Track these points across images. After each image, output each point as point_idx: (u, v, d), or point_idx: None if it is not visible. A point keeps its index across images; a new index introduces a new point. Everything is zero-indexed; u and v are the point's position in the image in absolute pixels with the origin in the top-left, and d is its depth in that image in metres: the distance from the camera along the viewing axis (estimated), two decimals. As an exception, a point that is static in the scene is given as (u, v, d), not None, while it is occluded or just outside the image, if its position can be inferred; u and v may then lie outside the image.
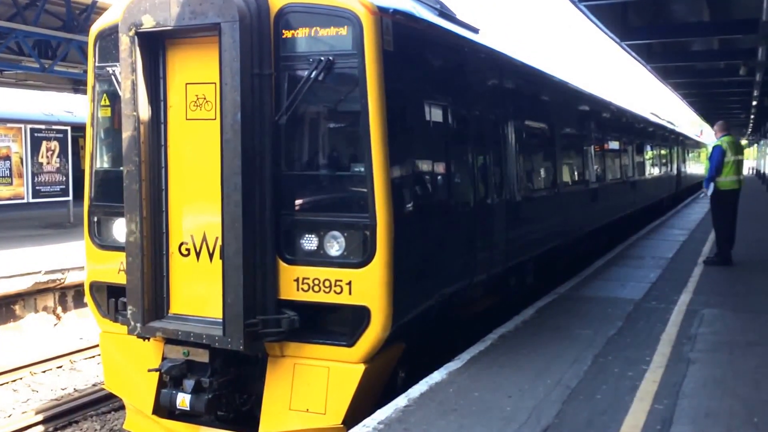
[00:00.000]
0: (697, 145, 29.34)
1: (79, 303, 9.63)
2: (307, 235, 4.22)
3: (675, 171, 20.62)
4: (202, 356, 4.31)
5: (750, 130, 36.74)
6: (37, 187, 13.37)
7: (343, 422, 4.12)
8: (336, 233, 4.18)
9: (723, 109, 26.16)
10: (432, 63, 4.98)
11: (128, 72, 4.30)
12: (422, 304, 4.62)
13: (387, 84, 4.13)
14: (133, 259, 4.33)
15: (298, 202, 4.31)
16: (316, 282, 4.17)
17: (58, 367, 7.84)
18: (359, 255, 4.11)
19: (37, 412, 6.36)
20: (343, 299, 4.13)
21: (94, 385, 7.23)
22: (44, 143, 13.46)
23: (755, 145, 45.66)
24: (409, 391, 4.22)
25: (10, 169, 12.94)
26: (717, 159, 8.46)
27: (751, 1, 9.07)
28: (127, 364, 4.77)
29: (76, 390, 7.18)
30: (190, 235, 4.45)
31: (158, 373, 4.48)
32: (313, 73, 4.13)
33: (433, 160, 4.88)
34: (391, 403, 4.02)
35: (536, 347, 5.11)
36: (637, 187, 13.73)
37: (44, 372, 7.68)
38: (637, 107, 15.36)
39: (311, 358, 4.24)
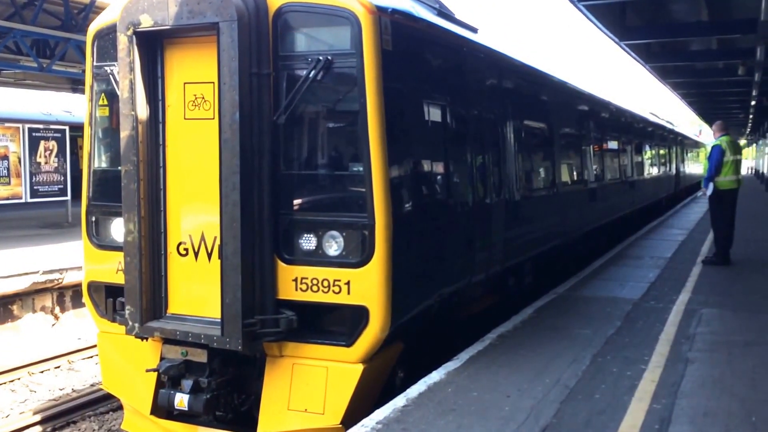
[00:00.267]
0: (696, 144, 29.37)
1: (77, 303, 9.62)
2: (305, 235, 4.22)
3: (674, 171, 20.64)
4: (200, 356, 4.31)
5: (749, 129, 36.79)
6: (35, 187, 13.35)
7: (342, 422, 4.11)
8: (334, 233, 4.17)
9: (722, 108, 26.19)
10: (431, 63, 4.98)
11: (126, 71, 4.29)
12: (421, 303, 4.61)
13: (386, 83, 4.13)
14: (131, 259, 4.32)
15: (296, 201, 4.30)
16: (315, 282, 4.17)
17: (56, 368, 7.83)
18: (358, 255, 4.11)
19: (35, 413, 6.35)
20: (342, 299, 4.13)
21: (92, 385, 7.22)
22: (42, 143, 13.44)
23: (754, 144, 45.71)
24: (408, 390, 4.21)
25: (8, 169, 12.92)
26: (716, 159, 8.47)
27: (749, 1, 9.07)
28: (125, 365, 4.76)
29: (74, 390, 7.17)
30: (188, 234, 4.44)
31: (156, 373, 4.47)
32: (312, 73, 4.12)
33: (432, 159, 4.88)
34: (389, 403, 4.02)
35: (535, 347, 5.11)
36: (636, 187, 13.74)
37: (42, 372, 7.67)
38: (636, 107, 15.37)
39: (310, 358, 4.23)
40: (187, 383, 4.29)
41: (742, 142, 47.14)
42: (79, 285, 9.08)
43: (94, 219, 4.88)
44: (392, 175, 4.17)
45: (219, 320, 4.15)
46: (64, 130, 13.98)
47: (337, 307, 4.16)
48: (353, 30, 4.07)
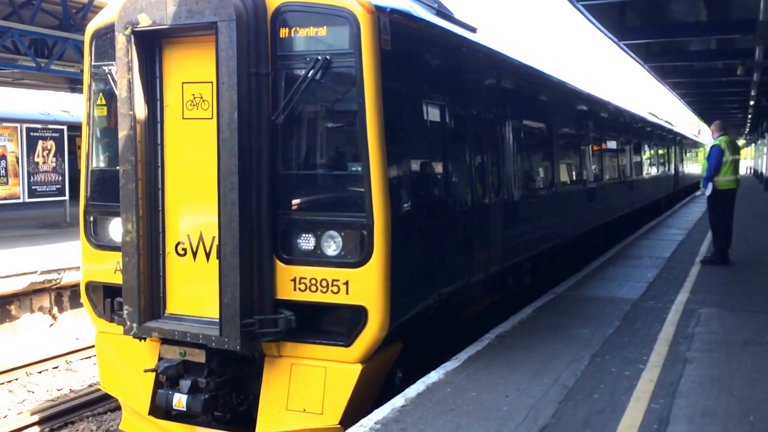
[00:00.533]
0: (695, 144, 29.41)
1: (75, 303, 9.60)
2: (304, 235, 4.21)
3: (673, 171, 20.66)
4: (198, 356, 4.30)
5: (747, 129, 36.85)
6: (33, 187, 13.32)
7: (340, 422, 4.11)
8: (333, 233, 4.17)
9: (720, 108, 26.22)
10: (429, 62, 4.98)
11: (124, 71, 4.28)
12: (420, 303, 4.61)
13: (384, 83, 4.12)
14: (130, 259, 4.31)
15: (295, 201, 4.29)
16: (313, 282, 4.16)
17: (54, 368, 7.82)
18: (356, 254, 4.10)
19: (33, 413, 6.34)
20: (340, 299, 4.12)
21: (90, 385, 7.21)
22: (40, 142, 13.41)
23: (752, 144, 45.79)
24: (407, 390, 4.21)
25: (6, 169, 12.89)
26: (715, 158, 8.47)
27: (748, 1, 9.08)
28: (123, 365, 4.75)
29: (72, 390, 7.16)
30: (186, 234, 4.43)
31: (154, 373, 4.46)
32: (311, 73, 4.12)
33: (431, 159, 4.88)
34: (388, 403, 4.01)
35: (533, 347, 5.11)
36: (635, 186, 13.75)
37: (40, 372, 7.66)
38: (635, 107, 15.38)
39: (308, 358, 4.23)
40: (185, 383, 4.28)
41: (741, 142, 47.20)
42: (77, 285, 9.06)
43: (92, 219, 4.87)
44: (391, 174, 4.17)
45: (217, 320, 4.14)
46: (62, 129, 13.95)
47: (336, 307, 4.16)
48: (352, 30, 4.06)
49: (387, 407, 3.94)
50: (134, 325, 4.32)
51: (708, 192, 8.64)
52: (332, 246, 4.17)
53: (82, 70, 5.80)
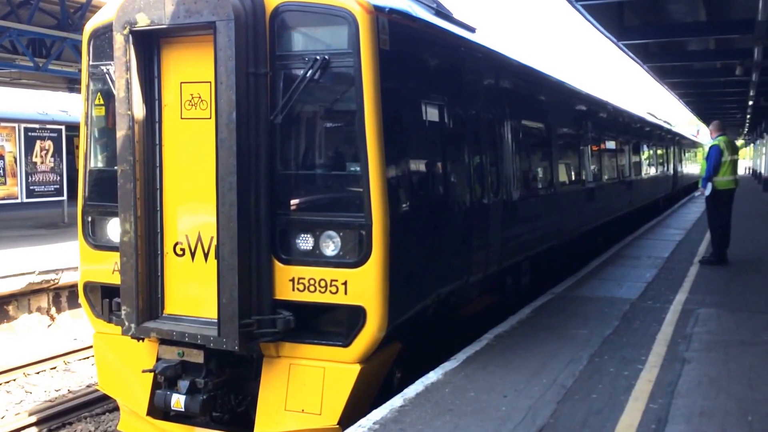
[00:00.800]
0: (694, 144, 29.45)
1: (73, 304, 9.58)
2: (302, 235, 4.21)
3: (671, 171, 20.68)
4: (196, 357, 4.29)
5: (746, 130, 36.90)
6: (31, 187, 13.30)
7: (339, 423, 4.10)
8: (332, 233, 4.16)
9: (719, 109, 26.25)
10: (428, 62, 4.97)
11: (122, 71, 4.27)
12: (418, 303, 4.61)
13: (383, 83, 4.12)
14: (128, 259, 4.30)
15: (293, 201, 4.29)
16: (312, 282, 4.16)
17: (51, 368, 7.80)
18: (355, 255, 4.10)
19: (31, 414, 6.33)
20: (339, 299, 4.12)
21: (88, 386, 7.19)
22: (38, 142, 13.39)
23: (751, 144, 45.87)
24: (405, 391, 4.21)
25: (4, 169, 12.86)
26: (714, 159, 8.48)
27: (747, 1, 9.09)
28: (121, 365, 4.74)
29: (70, 391, 7.15)
30: (185, 234, 4.43)
31: (153, 373, 4.45)
32: (309, 72, 4.11)
33: (429, 159, 4.87)
34: (386, 404, 4.01)
35: (532, 347, 5.11)
36: (634, 186, 13.76)
37: (38, 373, 7.64)
38: (633, 107, 15.39)
39: (307, 358, 4.22)
40: (183, 384, 4.27)
41: (740, 142, 47.28)
42: (75, 285, 9.04)
43: (90, 219, 4.86)
44: (389, 175, 4.16)
45: (216, 320, 4.14)
46: (60, 129, 13.92)
47: (334, 307, 4.15)
48: (350, 29, 4.06)
49: (385, 407, 3.94)
50: (132, 325, 4.31)
51: (707, 192, 8.64)
52: (331, 246, 4.16)
53: (80, 70, 5.79)
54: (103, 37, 4.66)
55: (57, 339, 8.95)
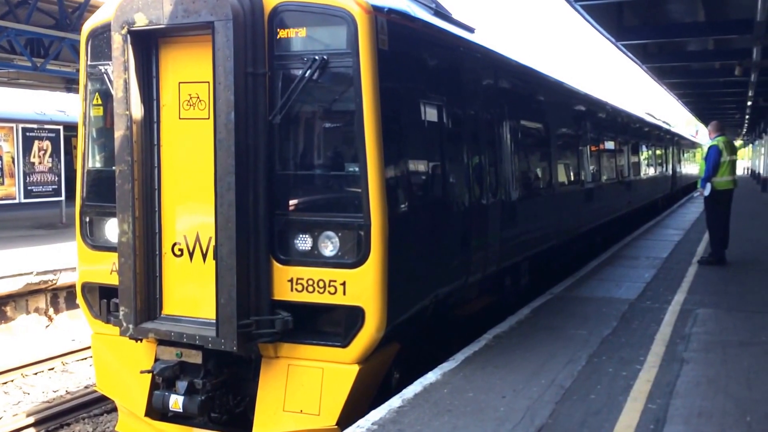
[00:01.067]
0: (693, 145, 29.48)
1: (71, 304, 9.57)
2: (301, 235, 4.20)
3: (670, 171, 20.70)
4: (195, 357, 4.28)
5: (745, 130, 36.96)
6: (29, 187, 13.27)
7: (337, 423, 4.10)
8: (330, 233, 4.16)
9: (718, 109, 26.29)
10: (427, 62, 4.97)
11: (121, 71, 4.26)
12: (417, 304, 4.60)
13: (382, 83, 4.11)
14: (126, 260, 4.29)
15: (292, 202, 4.28)
16: (310, 282, 4.15)
17: (49, 369, 7.78)
18: (353, 255, 4.09)
19: (29, 415, 6.31)
20: (338, 300, 4.11)
21: (86, 387, 7.18)
22: (36, 143, 13.36)
23: (750, 145, 45.94)
24: (404, 391, 4.20)
25: (2, 169, 12.83)
26: (713, 159, 8.48)
27: (746, 2, 9.10)
28: (119, 366, 4.73)
29: (68, 392, 7.13)
30: (183, 235, 4.42)
31: (151, 374, 4.44)
32: (308, 73, 4.11)
33: (428, 159, 4.87)
34: (385, 404, 4.01)
35: (531, 347, 5.11)
36: (633, 187, 13.77)
37: (36, 374, 7.62)
38: (632, 107, 15.41)
39: (305, 359, 4.22)
40: (181, 385, 4.26)
41: (739, 142, 47.36)
42: (73, 286, 9.01)
43: (88, 219, 4.84)
44: (388, 175, 4.16)
45: (214, 321, 4.13)
46: (58, 129, 13.89)
47: (333, 307, 4.15)
48: (349, 29, 4.05)
49: (384, 408, 3.94)
50: (130, 326, 4.30)
51: (706, 192, 8.65)
52: (329, 246, 4.16)
53: (78, 70, 5.77)
54: (101, 37, 4.66)
55: (55, 340, 8.93)
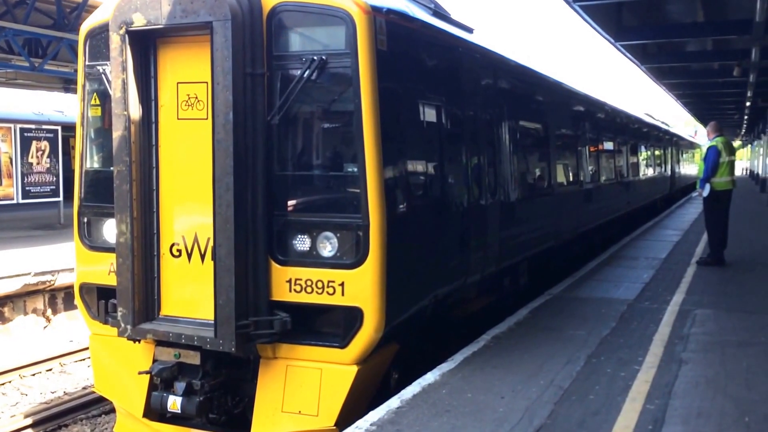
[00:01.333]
0: (691, 145, 29.50)
1: (69, 305, 9.55)
2: (299, 236, 4.20)
3: (669, 172, 20.72)
4: (193, 358, 4.27)
5: (744, 130, 37.01)
6: (26, 188, 13.24)
7: (336, 424, 4.09)
8: (329, 234, 4.15)
9: (717, 109, 26.34)
10: (426, 63, 4.97)
11: (119, 71, 4.25)
12: (415, 304, 4.60)
13: (380, 83, 4.11)
14: (124, 261, 4.28)
15: (290, 202, 4.28)
16: (309, 283, 4.14)
17: (47, 370, 7.76)
18: (352, 256, 4.09)
19: (26, 416, 6.30)
20: (336, 300, 4.11)
21: (84, 388, 7.16)
22: (34, 143, 13.33)
23: (749, 146, 46.02)
24: (402, 392, 4.20)
25: (0, 170, 12.80)
26: (713, 160, 8.49)
27: (745, 2, 9.12)
28: (117, 367, 4.72)
29: (65, 393, 7.11)
30: (181, 236, 4.41)
31: (149, 375, 4.43)
32: (306, 73, 4.10)
33: (427, 160, 4.86)
34: (383, 405, 4.00)
35: (529, 348, 5.10)
36: (631, 187, 13.78)
37: (34, 375, 7.60)
38: (631, 108, 15.42)
39: (304, 359, 4.21)
40: (180, 385, 4.25)
41: (737, 143, 47.43)
42: (71, 287, 9.01)
43: (86, 220, 4.83)
44: (387, 175, 4.15)
45: (212, 322, 4.12)
46: (56, 130, 13.86)
47: (331, 308, 4.14)
48: (348, 30, 4.05)
49: (382, 409, 3.93)
50: (128, 327, 4.29)
51: (705, 193, 8.65)
52: (328, 247, 4.15)
53: (76, 70, 5.76)
54: (99, 37, 4.65)
55: (53, 340, 8.91)
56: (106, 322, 4.58)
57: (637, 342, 5.32)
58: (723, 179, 8.60)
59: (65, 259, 9.40)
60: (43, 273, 9.15)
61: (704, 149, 9.13)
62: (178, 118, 4.39)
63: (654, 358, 4.89)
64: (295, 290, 4.17)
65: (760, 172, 33.09)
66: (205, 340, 4.12)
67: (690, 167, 27.28)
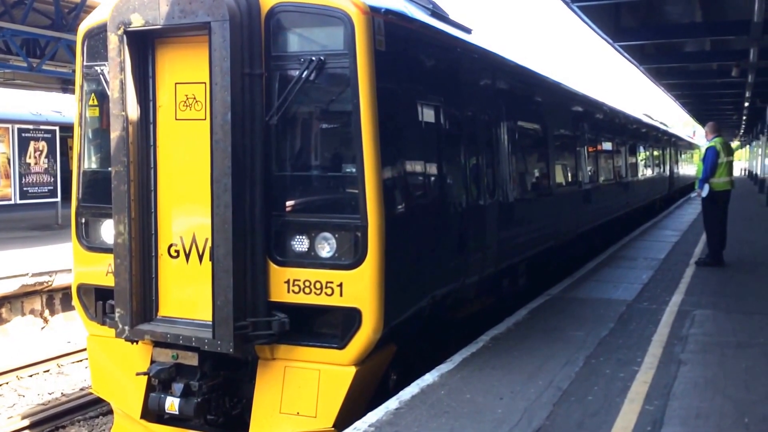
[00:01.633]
0: (690, 146, 29.54)
1: (66, 306, 9.52)
2: (297, 237, 4.19)
3: (668, 172, 20.75)
4: (191, 359, 4.26)
5: (742, 131, 37.09)
6: (24, 188, 13.21)
7: (334, 425, 4.08)
8: (327, 234, 4.14)
9: (716, 110, 26.38)
10: (424, 63, 4.96)
11: (117, 71, 4.24)
12: (414, 305, 4.59)
13: (379, 84, 4.10)
14: (122, 261, 4.27)
15: (289, 203, 4.27)
16: (307, 284, 4.13)
17: (45, 371, 7.74)
18: (350, 256, 4.08)
19: (24, 417, 6.28)
20: (334, 301, 4.10)
21: (81, 389, 7.14)
22: (32, 143, 13.30)
23: (747, 146, 46.10)
24: (401, 393, 4.19)
25: (-2, 170, 12.78)
26: (711, 160, 8.49)
27: (743, 3, 9.13)
28: (115, 368, 4.71)
29: (63, 394, 7.09)
30: (179, 236, 4.40)
31: (147, 376, 4.42)
32: (305, 73, 4.09)
33: (425, 160, 4.86)
34: (382, 406, 3.99)
35: (528, 349, 5.10)
36: (630, 188, 13.79)
37: (31, 376, 7.59)
38: (630, 108, 15.43)
39: (302, 360, 4.20)
40: (177, 387, 4.24)
41: (736, 143, 47.52)
42: (68, 288, 8.99)
43: (83, 220, 4.82)
44: (385, 176, 4.15)
45: (210, 323, 4.11)
46: (54, 130, 13.84)
47: (330, 309, 4.13)
48: (346, 30, 4.04)
49: (381, 410, 3.92)
50: (126, 327, 4.27)
51: (704, 193, 8.65)
52: (326, 248, 4.15)
53: (74, 71, 5.74)
54: (97, 37, 4.64)
55: (50, 342, 8.88)
56: (103, 323, 4.57)
57: (636, 343, 5.31)
58: (722, 180, 8.60)
59: (63, 260, 9.38)
60: (41, 274, 9.12)
61: (703, 150, 9.13)
62: (176, 119, 4.38)
63: (653, 358, 4.89)
64: (293, 291, 4.16)
65: (758, 173, 33.15)
66: (203, 341, 4.11)
67: (689, 168, 27.31)
